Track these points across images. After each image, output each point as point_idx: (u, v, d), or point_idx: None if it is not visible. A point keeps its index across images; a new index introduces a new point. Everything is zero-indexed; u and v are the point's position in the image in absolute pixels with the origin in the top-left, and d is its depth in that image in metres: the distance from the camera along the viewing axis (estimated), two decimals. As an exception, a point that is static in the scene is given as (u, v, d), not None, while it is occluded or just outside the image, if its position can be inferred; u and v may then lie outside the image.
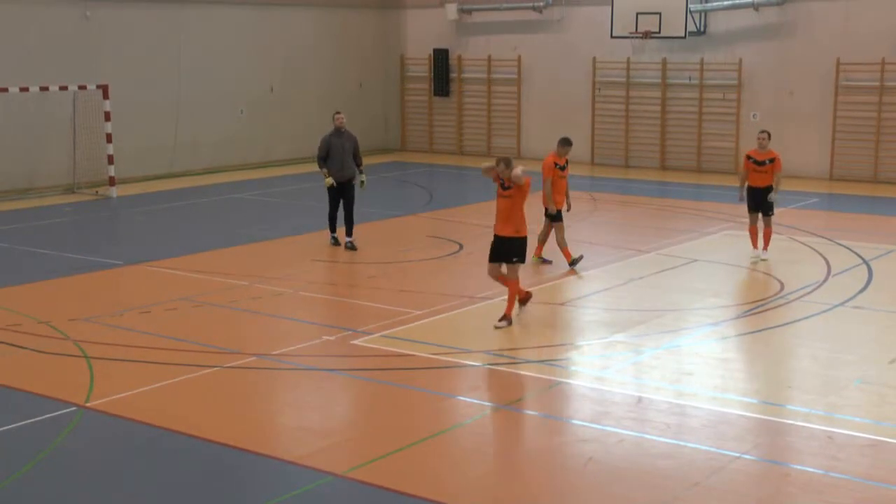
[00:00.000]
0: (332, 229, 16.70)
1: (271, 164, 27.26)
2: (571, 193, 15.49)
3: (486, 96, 29.55)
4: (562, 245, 15.04)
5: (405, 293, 13.68)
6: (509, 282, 12.17)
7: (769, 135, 15.59)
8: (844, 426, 9.05)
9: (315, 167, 16.94)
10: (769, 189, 15.49)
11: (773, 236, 15.77)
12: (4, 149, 22.14)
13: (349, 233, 16.53)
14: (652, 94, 26.89)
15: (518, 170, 11.84)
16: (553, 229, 15.13)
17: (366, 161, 17.81)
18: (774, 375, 10.71)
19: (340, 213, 16.53)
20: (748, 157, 15.64)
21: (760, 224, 15.69)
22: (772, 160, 15.43)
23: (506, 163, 11.92)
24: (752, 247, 15.75)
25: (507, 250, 12.08)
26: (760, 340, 11.82)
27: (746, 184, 15.65)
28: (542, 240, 15.31)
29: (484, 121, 29.75)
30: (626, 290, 13.92)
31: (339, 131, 16.36)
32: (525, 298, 12.60)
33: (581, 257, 15.14)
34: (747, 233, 15.93)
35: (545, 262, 15.28)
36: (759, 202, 15.57)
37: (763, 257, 15.55)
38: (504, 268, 12.23)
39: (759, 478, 8.14)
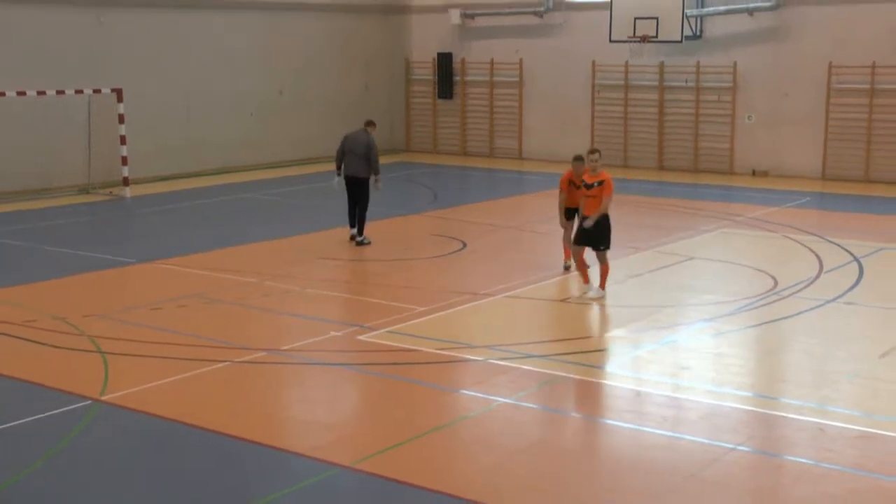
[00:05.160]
0: (352, 224, 16.93)
1: (280, 165, 27.46)
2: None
3: (489, 98, 29.73)
4: (567, 243, 14.88)
5: (410, 290, 13.80)
6: None
7: (600, 154, 13.68)
8: (836, 418, 9.15)
9: (332, 166, 17.21)
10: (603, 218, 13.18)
11: (767, 234, 15.32)
12: (22, 150, 22.33)
13: (360, 231, 16.75)
14: (650, 97, 27.06)
15: None
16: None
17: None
18: (768, 369, 10.83)
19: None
20: (579, 181, 13.60)
21: (590, 259, 13.55)
22: (601, 183, 13.21)
23: None
24: (583, 282, 13.60)
25: None
26: (755, 335, 11.95)
27: (582, 215, 13.42)
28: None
29: (486, 122, 29.95)
30: (625, 287, 13.97)
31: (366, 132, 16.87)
32: None
33: (570, 268, 14.68)
34: (734, 232, 15.33)
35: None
36: (590, 235, 13.24)
37: (598, 296, 13.18)
38: None
39: (753, 469, 8.25)
